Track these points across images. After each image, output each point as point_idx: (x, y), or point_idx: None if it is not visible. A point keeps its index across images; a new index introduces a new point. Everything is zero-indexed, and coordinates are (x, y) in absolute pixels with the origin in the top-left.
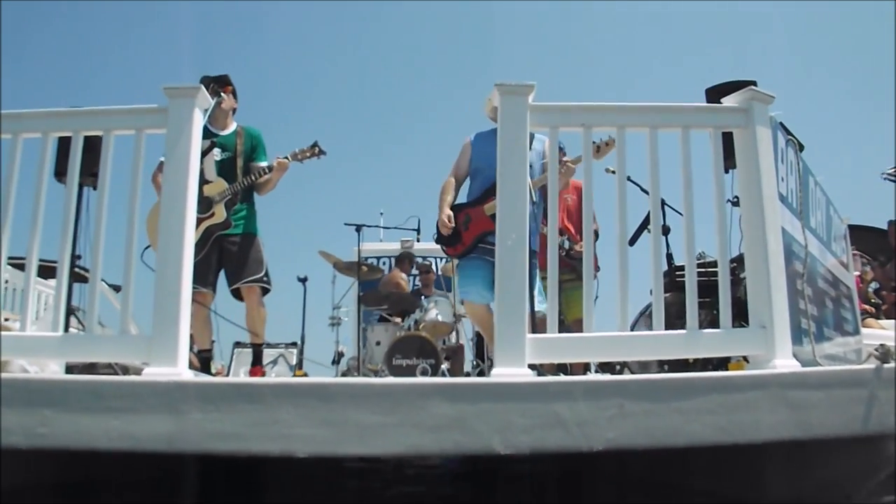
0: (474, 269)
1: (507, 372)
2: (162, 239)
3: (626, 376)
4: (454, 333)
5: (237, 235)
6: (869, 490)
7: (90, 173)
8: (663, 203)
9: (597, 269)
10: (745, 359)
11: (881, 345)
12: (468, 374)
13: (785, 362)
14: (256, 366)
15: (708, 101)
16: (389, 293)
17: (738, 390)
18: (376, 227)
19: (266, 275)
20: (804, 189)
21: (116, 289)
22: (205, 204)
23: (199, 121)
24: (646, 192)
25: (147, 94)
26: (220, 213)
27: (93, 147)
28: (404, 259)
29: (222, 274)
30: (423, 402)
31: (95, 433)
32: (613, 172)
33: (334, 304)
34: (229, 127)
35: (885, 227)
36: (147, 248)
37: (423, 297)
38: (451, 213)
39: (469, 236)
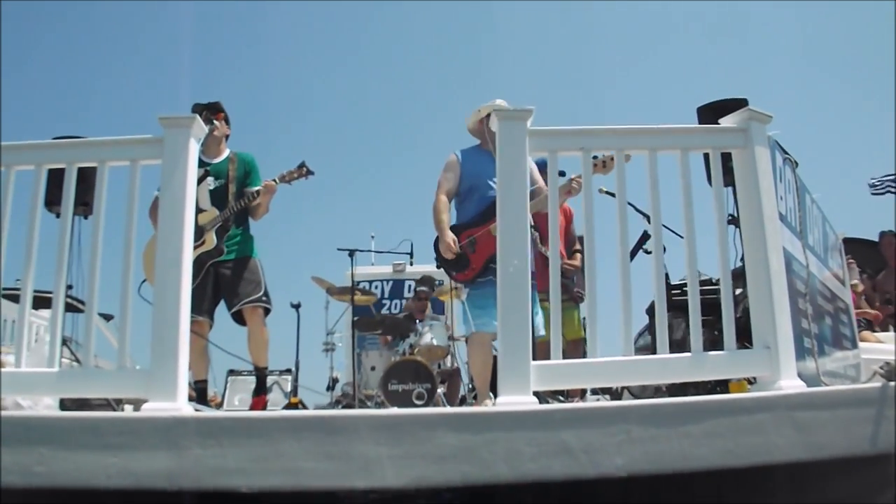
0: (487, 298)
1: (511, 400)
2: (159, 271)
3: (633, 402)
4: (449, 357)
5: (231, 261)
6: None
7: (81, 202)
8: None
9: (580, 298)
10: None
11: (886, 363)
12: (464, 398)
13: (790, 383)
14: (260, 394)
15: (700, 120)
16: (384, 317)
17: (746, 413)
18: (369, 251)
19: (265, 294)
20: (802, 207)
21: (107, 318)
22: (196, 233)
23: (194, 151)
24: (640, 211)
25: (142, 109)
26: (210, 241)
27: (84, 177)
28: (425, 282)
29: (221, 305)
30: (429, 432)
31: (93, 471)
32: (609, 193)
33: (328, 330)
34: (222, 154)
35: (874, 238)
36: (143, 281)
37: (416, 322)
38: (453, 235)
39: (478, 259)
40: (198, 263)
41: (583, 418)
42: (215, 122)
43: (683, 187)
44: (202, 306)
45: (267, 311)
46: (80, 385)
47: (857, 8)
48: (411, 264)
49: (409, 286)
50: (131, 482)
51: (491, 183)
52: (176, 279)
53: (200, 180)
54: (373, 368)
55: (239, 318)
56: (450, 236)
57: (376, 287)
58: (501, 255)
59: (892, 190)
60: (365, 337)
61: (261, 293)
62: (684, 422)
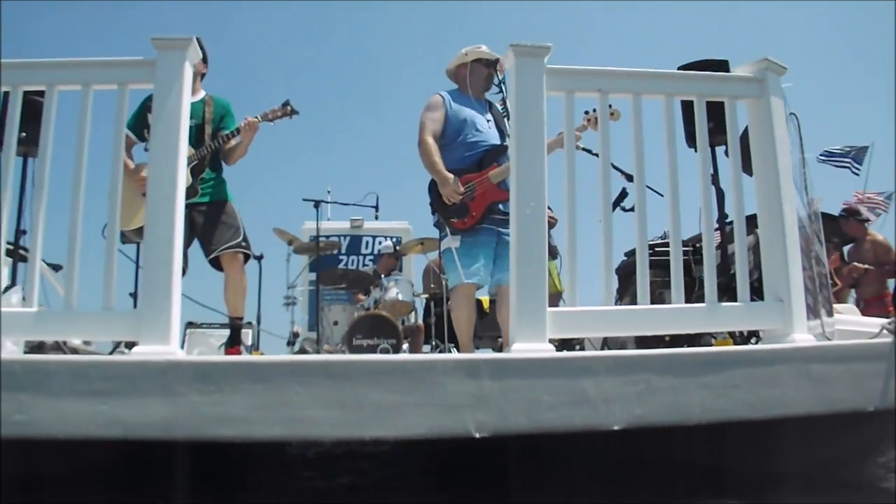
0: (483, 247)
1: (528, 347)
2: (150, 205)
3: (653, 351)
4: (412, 313)
5: (205, 204)
6: (877, 465)
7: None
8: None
9: (556, 252)
10: (732, 335)
11: (894, 320)
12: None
13: (802, 336)
14: (234, 346)
15: None
16: (347, 271)
17: (763, 364)
18: (336, 203)
19: (245, 240)
20: (805, 163)
21: (55, 267)
22: None
23: (189, 76)
24: (620, 171)
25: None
26: (186, 179)
27: (34, 113)
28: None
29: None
30: (444, 379)
31: (81, 420)
32: (587, 150)
33: (289, 283)
34: (197, 94)
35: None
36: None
37: (381, 277)
38: (454, 177)
39: (478, 207)
40: None
41: (603, 367)
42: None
43: (699, 134)
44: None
45: (247, 258)
46: (63, 326)
47: None
48: (376, 218)
49: (367, 242)
50: (122, 431)
51: (478, 127)
52: (169, 214)
53: None
54: (335, 323)
55: (216, 264)
56: (452, 178)
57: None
58: (518, 196)
59: (849, 167)
60: (328, 291)
61: (240, 238)
62: (703, 372)
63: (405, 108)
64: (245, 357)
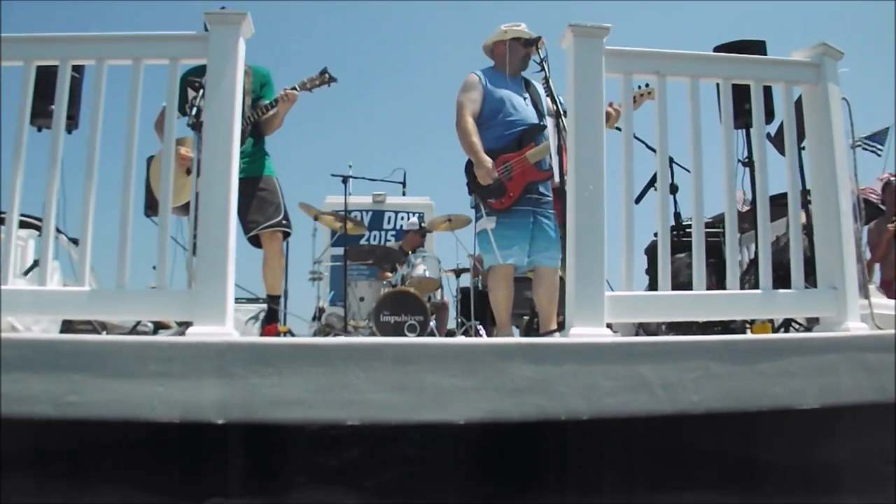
0: (520, 228)
1: (586, 332)
2: (205, 184)
3: (710, 337)
4: (439, 290)
5: (245, 179)
6: None
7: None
8: (672, 161)
9: None
10: (772, 322)
11: None
12: (453, 333)
13: (856, 324)
14: (272, 323)
15: None
16: (374, 247)
17: (817, 353)
18: (364, 178)
19: (286, 217)
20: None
21: (75, 242)
22: None
23: (242, 51)
24: (652, 149)
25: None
26: None
27: (48, 88)
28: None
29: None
30: (505, 363)
31: (136, 402)
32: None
33: (314, 259)
34: None
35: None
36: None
37: (407, 254)
38: (491, 160)
39: (515, 187)
40: None
41: (662, 352)
42: None
43: (756, 120)
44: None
45: (286, 236)
46: (116, 306)
47: None
48: (404, 194)
49: (389, 217)
50: (178, 414)
51: (515, 106)
52: (225, 192)
53: None
54: (361, 299)
55: (255, 241)
56: (489, 161)
57: (356, 217)
58: (577, 179)
59: (873, 150)
60: (354, 267)
61: (281, 216)
62: (759, 360)
63: (430, 84)
64: (305, 339)
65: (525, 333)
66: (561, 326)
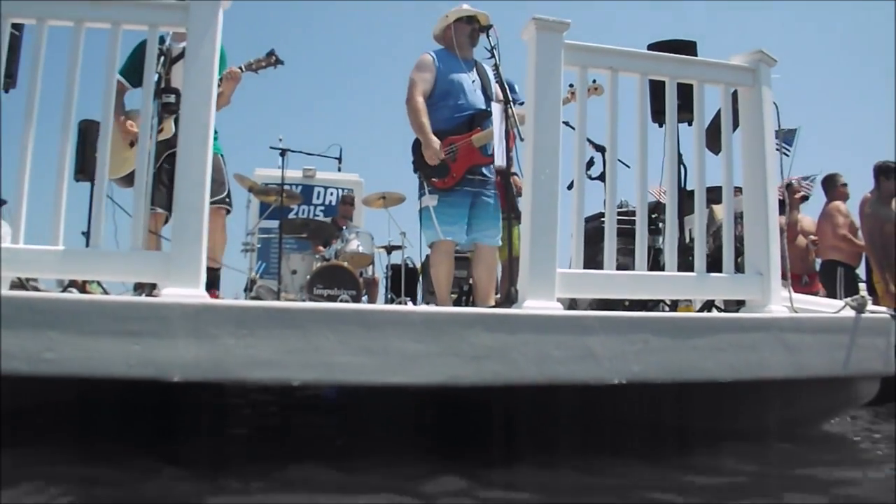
0: (459, 207)
1: (538, 305)
2: (183, 151)
3: (651, 314)
4: (371, 266)
5: None
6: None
7: (7, 74)
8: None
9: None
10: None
11: (860, 295)
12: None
13: (778, 307)
14: (212, 289)
15: None
16: (308, 221)
17: (745, 331)
18: (302, 153)
19: (228, 195)
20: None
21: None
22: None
23: (220, 22)
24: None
25: None
26: (168, 128)
27: (12, 47)
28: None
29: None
30: (465, 331)
31: (112, 359)
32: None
33: (248, 230)
34: None
35: None
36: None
37: (341, 228)
38: (438, 141)
39: (458, 168)
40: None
41: (608, 325)
42: None
43: (697, 117)
44: (158, 199)
45: (227, 212)
46: (90, 266)
47: None
48: (339, 169)
49: (318, 193)
50: (153, 372)
51: (466, 88)
52: (202, 160)
53: (176, 60)
54: (294, 272)
55: None
56: (436, 142)
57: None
58: (534, 164)
59: (780, 149)
60: (286, 240)
61: (224, 194)
62: (694, 335)
63: (370, 63)
64: (278, 303)
65: None
66: (498, 304)
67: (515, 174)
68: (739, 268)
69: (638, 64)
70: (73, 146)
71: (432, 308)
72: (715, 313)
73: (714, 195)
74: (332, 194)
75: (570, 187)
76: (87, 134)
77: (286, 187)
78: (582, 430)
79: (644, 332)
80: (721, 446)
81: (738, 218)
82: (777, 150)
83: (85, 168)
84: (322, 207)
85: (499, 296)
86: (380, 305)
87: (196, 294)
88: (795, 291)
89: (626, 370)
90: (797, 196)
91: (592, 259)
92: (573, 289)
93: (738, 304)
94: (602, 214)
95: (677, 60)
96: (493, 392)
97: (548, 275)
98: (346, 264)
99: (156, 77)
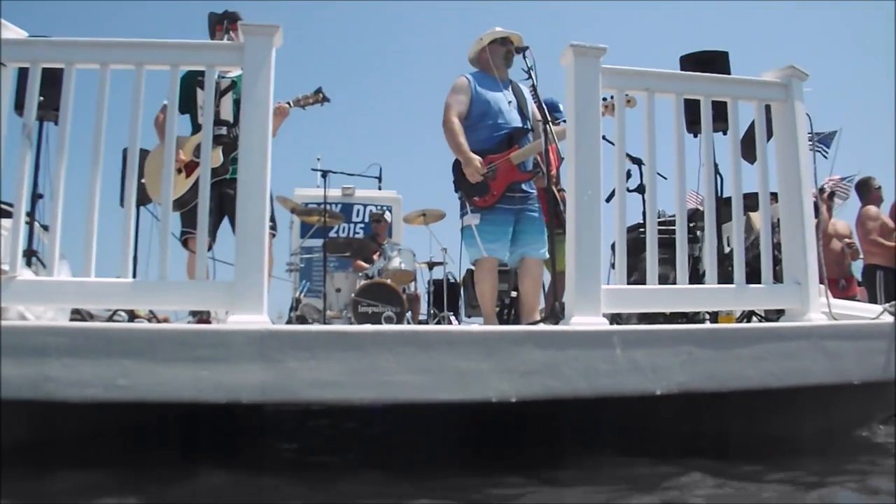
0: (502, 224)
1: (585, 320)
2: (242, 181)
3: (693, 326)
4: (413, 282)
5: (236, 181)
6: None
7: (52, 107)
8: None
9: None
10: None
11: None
12: (425, 322)
13: (817, 315)
14: None
15: (682, 69)
16: (351, 240)
17: (785, 339)
18: (343, 173)
19: (272, 220)
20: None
21: (45, 228)
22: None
23: (273, 62)
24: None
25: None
26: (217, 158)
27: (54, 81)
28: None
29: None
30: (516, 348)
31: (183, 384)
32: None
33: (291, 251)
34: (237, 68)
35: None
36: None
37: (381, 245)
38: (480, 158)
39: (498, 186)
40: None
41: (652, 339)
42: (232, 32)
43: (732, 133)
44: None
45: (273, 236)
46: (158, 296)
47: None
48: (379, 188)
49: (358, 211)
50: (224, 396)
51: (503, 108)
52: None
53: (225, 92)
54: (338, 290)
55: None
56: (476, 158)
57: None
58: (577, 184)
59: (821, 151)
60: (330, 258)
61: (268, 218)
62: (736, 345)
63: (408, 84)
64: (339, 327)
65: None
66: (543, 318)
67: (563, 189)
68: (777, 275)
69: (673, 85)
70: (128, 176)
71: (485, 328)
72: (755, 324)
73: (750, 201)
74: (370, 212)
75: (608, 199)
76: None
77: (315, 207)
78: (623, 438)
79: (688, 343)
80: (761, 452)
81: (775, 226)
82: (815, 150)
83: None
84: (362, 225)
85: (542, 308)
86: (435, 327)
87: (259, 320)
88: (833, 296)
89: (671, 381)
90: (827, 198)
91: (632, 269)
92: (618, 304)
93: (777, 312)
94: (640, 225)
95: (712, 80)
96: (541, 406)
97: (593, 291)
98: (389, 281)
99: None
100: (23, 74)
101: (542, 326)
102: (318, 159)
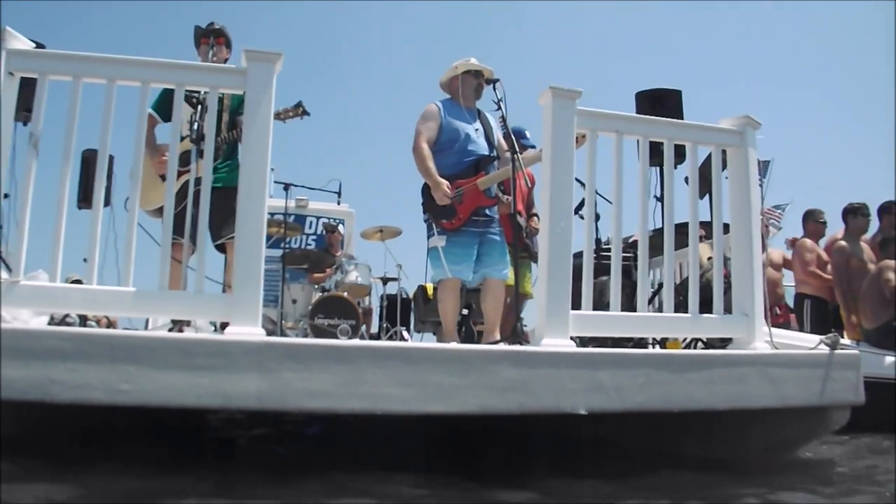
0: (466, 247)
1: (554, 342)
2: (242, 199)
3: (652, 350)
4: (367, 297)
5: (218, 190)
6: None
7: (25, 108)
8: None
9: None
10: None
11: (833, 332)
12: (378, 337)
13: (761, 344)
14: None
15: (637, 104)
16: (308, 252)
17: (734, 366)
18: (304, 187)
19: None
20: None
21: None
22: (182, 160)
23: (273, 86)
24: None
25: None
26: (200, 171)
27: (30, 83)
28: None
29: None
30: (493, 366)
31: (183, 390)
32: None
33: None
34: None
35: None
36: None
37: (334, 257)
38: (448, 183)
39: (464, 210)
40: (183, 189)
41: (615, 361)
42: (216, 47)
43: (691, 172)
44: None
45: None
46: (159, 305)
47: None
48: (339, 203)
49: (311, 223)
50: (221, 402)
51: (471, 136)
52: (259, 210)
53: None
54: (294, 302)
55: (220, 248)
56: (444, 183)
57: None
58: (551, 216)
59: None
60: (287, 270)
61: None
62: (689, 369)
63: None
64: (331, 341)
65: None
66: (504, 337)
67: (535, 215)
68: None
69: (640, 128)
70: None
71: (463, 346)
72: (707, 350)
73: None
74: (324, 223)
75: (577, 210)
76: (90, 163)
77: (278, 217)
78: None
79: (647, 367)
80: (713, 469)
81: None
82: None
83: (87, 197)
84: (314, 237)
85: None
86: (420, 343)
87: (256, 332)
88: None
89: (630, 400)
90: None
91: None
92: (584, 328)
93: (722, 341)
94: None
95: (674, 125)
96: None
97: (562, 316)
98: (345, 294)
99: (196, 125)
100: (22, 84)
101: (518, 346)
102: (273, 170)
